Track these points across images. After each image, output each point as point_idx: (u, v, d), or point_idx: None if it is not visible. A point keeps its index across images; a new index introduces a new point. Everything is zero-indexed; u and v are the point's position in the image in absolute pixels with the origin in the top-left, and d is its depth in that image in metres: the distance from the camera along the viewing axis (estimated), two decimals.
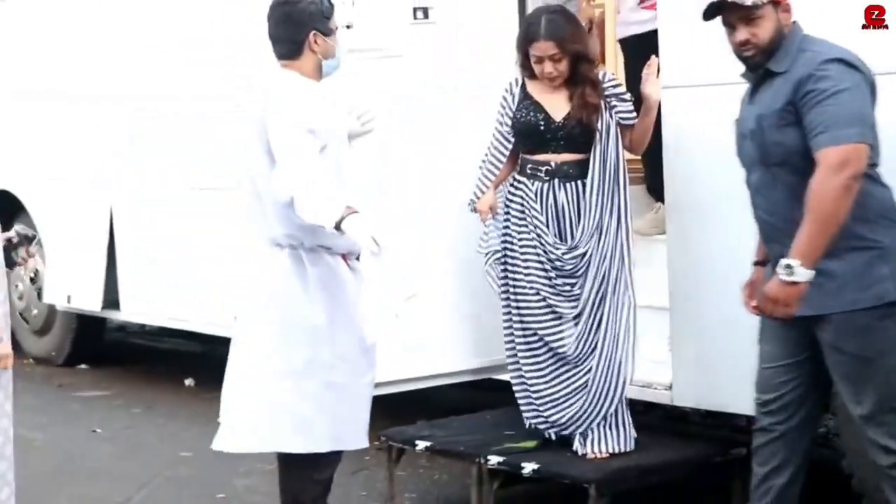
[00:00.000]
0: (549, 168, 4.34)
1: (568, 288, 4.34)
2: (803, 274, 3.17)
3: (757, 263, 3.58)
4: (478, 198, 4.42)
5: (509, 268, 4.41)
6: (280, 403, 3.71)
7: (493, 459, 4.36)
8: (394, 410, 5.27)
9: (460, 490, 4.65)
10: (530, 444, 4.46)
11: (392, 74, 4.71)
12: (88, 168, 6.97)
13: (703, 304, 4.26)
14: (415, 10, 4.76)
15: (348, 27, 4.53)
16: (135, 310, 6.82)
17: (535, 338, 4.39)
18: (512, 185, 4.42)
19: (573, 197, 4.33)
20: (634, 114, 4.33)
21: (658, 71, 4.22)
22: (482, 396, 5.25)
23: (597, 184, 4.30)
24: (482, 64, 4.88)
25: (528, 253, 4.36)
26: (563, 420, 4.36)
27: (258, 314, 3.78)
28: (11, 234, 4.11)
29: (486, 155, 4.44)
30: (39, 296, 7.58)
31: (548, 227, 4.33)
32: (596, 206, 4.31)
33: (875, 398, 3.30)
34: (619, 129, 4.33)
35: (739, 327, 3.96)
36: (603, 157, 4.30)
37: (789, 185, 3.29)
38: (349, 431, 3.80)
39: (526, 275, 4.36)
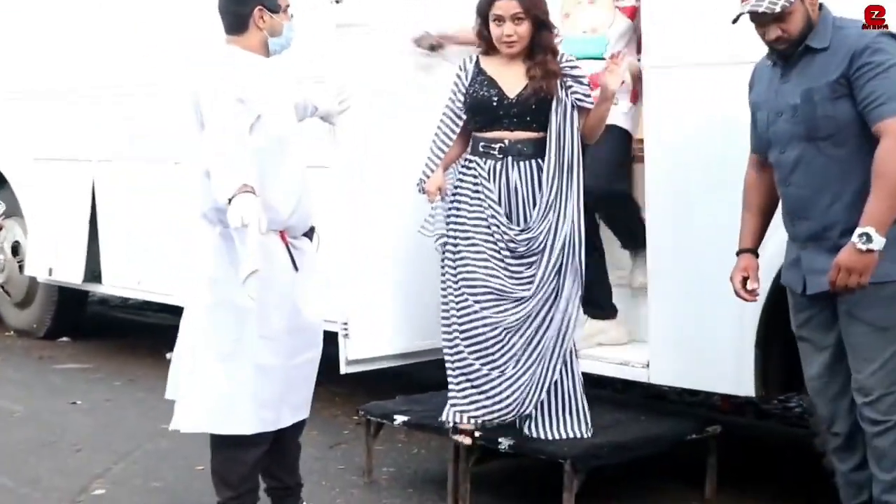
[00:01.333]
0: (502, 146, 4.12)
1: (521, 270, 4.13)
2: (879, 241, 3.17)
3: (743, 251, 3.57)
4: (427, 177, 4.17)
5: (456, 249, 4.17)
6: (208, 385, 3.69)
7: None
8: (372, 386, 5.28)
9: (438, 465, 4.63)
10: None
11: (379, 49, 4.70)
12: (71, 143, 6.91)
13: (681, 283, 4.24)
14: None
15: (337, 2, 4.48)
16: (117, 283, 6.77)
17: (481, 321, 4.13)
18: (463, 164, 4.19)
19: (527, 177, 4.12)
20: (591, 97, 4.12)
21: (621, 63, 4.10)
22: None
23: (553, 163, 4.08)
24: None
25: (481, 233, 4.13)
26: (508, 403, 4.16)
27: (193, 293, 3.77)
28: None
29: (436, 134, 4.21)
30: (21, 269, 7.52)
31: (500, 206, 4.11)
32: (552, 186, 4.09)
33: (880, 373, 3.30)
34: (575, 111, 4.11)
35: (717, 306, 4.00)
36: (560, 135, 4.09)
37: (835, 158, 3.30)
38: (274, 414, 3.76)
39: (475, 254, 4.13)
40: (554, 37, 4.15)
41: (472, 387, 4.16)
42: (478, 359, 4.14)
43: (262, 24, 3.73)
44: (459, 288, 4.14)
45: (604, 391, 4.67)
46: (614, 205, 4.67)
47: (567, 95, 4.09)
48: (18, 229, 7.52)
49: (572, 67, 4.14)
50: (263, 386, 3.72)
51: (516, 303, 4.12)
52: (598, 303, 4.69)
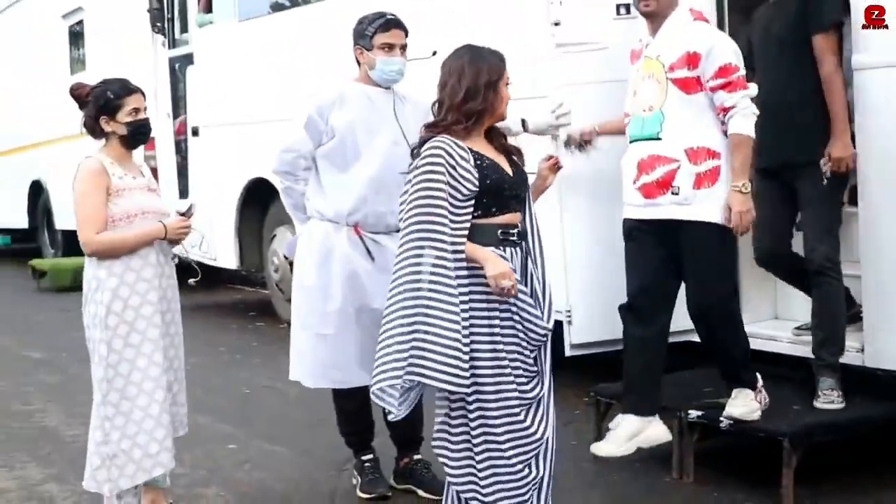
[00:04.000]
0: (519, 230, 3.61)
1: (534, 366, 3.62)
2: None
3: None
4: (443, 302, 3.40)
5: (482, 358, 3.50)
6: (293, 346, 4.63)
7: (693, 413, 4.58)
8: (601, 369, 5.53)
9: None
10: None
11: (597, 66, 4.97)
12: None
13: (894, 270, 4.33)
14: (618, 6, 5.00)
15: (556, 24, 4.81)
16: None
17: (520, 430, 3.57)
18: (472, 262, 3.50)
19: (535, 261, 3.65)
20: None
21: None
22: (679, 359, 5.40)
23: (537, 240, 3.68)
24: None
25: (512, 340, 3.54)
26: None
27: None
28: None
29: (439, 236, 3.43)
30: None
31: (529, 297, 3.57)
32: (543, 268, 3.68)
33: None
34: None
35: None
36: (532, 209, 3.70)
37: None
38: (340, 374, 4.49)
39: (511, 364, 3.53)
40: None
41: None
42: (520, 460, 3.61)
43: (362, 59, 4.45)
44: (493, 407, 3.54)
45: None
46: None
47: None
48: (289, 235, 8.17)
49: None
50: (323, 350, 4.48)
51: (530, 404, 3.62)
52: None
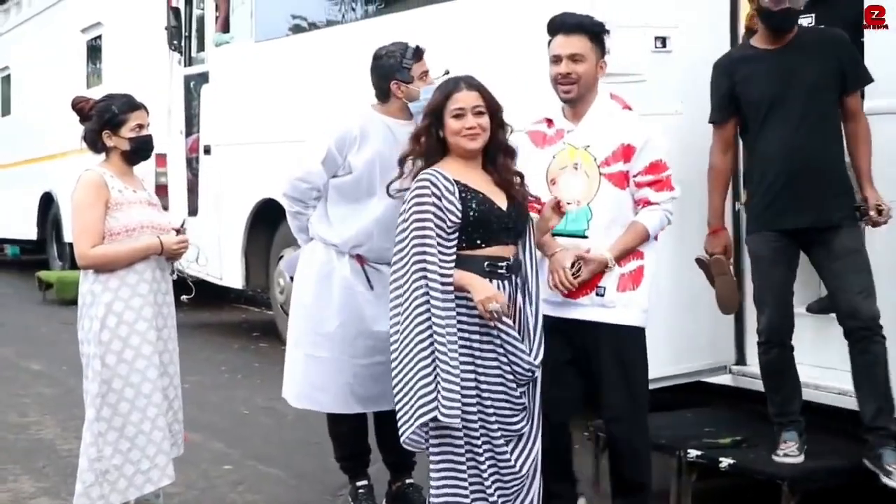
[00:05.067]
0: (509, 263, 3.65)
1: (521, 401, 3.66)
2: None
3: None
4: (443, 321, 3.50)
5: (468, 395, 3.58)
6: (286, 365, 4.61)
7: (693, 453, 4.53)
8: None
9: (661, 480, 4.73)
10: (728, 440, 4.59)
11: (638, 98, 4.76)
12: None
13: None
14: (655, 38, 4.94)
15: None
16: None
17: (503, 464, 3.65)
18: (460, 294, 3.56)
19: (522, 294, 3.70)
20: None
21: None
22: (681, 397, 5.37)
23: (534, 276, 3.72)
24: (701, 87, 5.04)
25: (495, 374, 3.59)
26: None
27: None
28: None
29: (430, 263, 3.51)
30: None
31: (516, 332, 3.62)
32: (539, 304, 3.73)
33: None
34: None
35: None
36: (532, 245, 3.76)
37: None
38: (328, 398, 4.47)
39: (493, 399, 3.60)
40: (508, 136, 3.80)
41: None
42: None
43: (400, 94, 4.35)
44: (481, 442, 3.61)
45: (820, 418, 4.72)
46: None
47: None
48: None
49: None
50: (314, 372, 4.45)
51: (520, 441, 3.69)
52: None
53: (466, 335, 3.57)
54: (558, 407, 3.99)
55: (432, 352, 3.49)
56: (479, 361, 3.57)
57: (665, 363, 4.92)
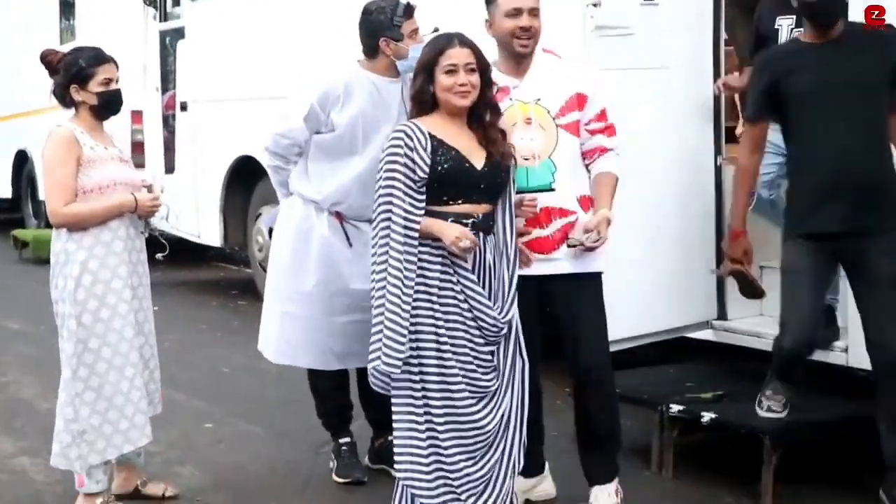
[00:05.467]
0: (475, 220, 3.65)
1: (489, 358, 3.68)
2: None
3: None
4: (405, 272, 3.54)
5: (426, 348, 3.61)
6: (263, 319, 4.62)
7: (675, 408, 4.54)
8: None
9: (642, 436, 4.80)
10: (709, 395, 4.61)
11: (630, 52, 4.81)
12: None
13: None
14: None
15: (595, 5, 4.67)
16: None
17: (464, 419, 3.64)
18: (425, 245, 3.60)
19: (494, 251, 3.72)
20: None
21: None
22: (662, 351, 5.38)
23: (509, 234, 3.73)
24: (697, 42, 5.07)
25: (456, 328, 3.62)
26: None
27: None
28: None
29: (395, 218, 3.56)
30: None
31: (480, 287, 3.65)
32: (516, 263, 3.74)
33: None
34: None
35: None
36: (510, 205, 3.76)
37: None
38: (301, 353, 4.48)
39: (455, 352, 3.61)
40: (494, 93, 3.80)
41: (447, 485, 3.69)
42: (464, 457, 3.68)
43: (388, 51, 4.28)
44: (439, 388, 3.63)
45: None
46: None
47: (512, 172, 3.79)
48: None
49: (510, 144, 3.80)
50: (290, 328, 4.45)
51: (486, 396, 3.68)
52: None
53: (425, 288, 3.60)
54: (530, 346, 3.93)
55: (383, 302, 3.57)
56: (439, 314, 3.61)
57: (646, 319, 4.93)
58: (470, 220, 3.64)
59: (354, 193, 4.33)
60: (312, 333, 4.43)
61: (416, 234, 3.57)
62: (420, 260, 3.58)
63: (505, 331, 3.69)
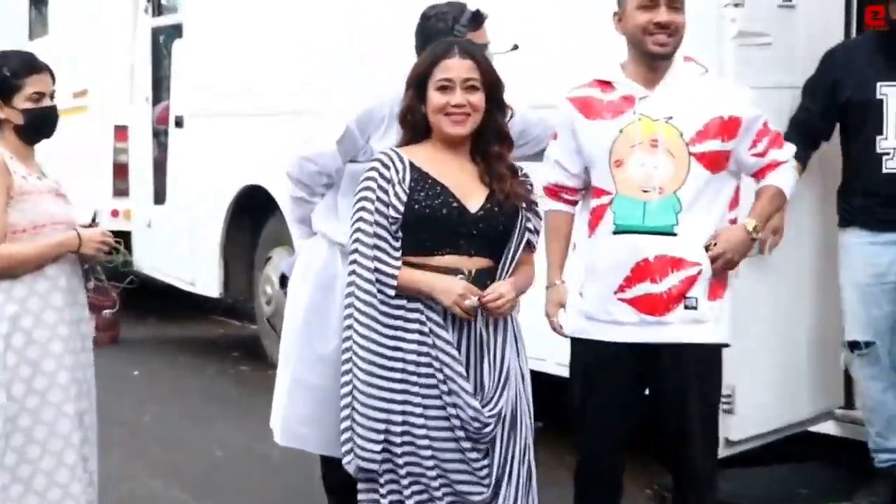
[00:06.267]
0: (462, 278, 3.57)
1: (478, 465, 3.58)
2: None
3: None
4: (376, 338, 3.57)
5: (401, 437, 3.58)
6: (277, 387, 4.60)
7: None
8: None
9: None
10: None
11: (774, 67, 4.86)
12: None
13: None
14: None
15: (737, 5, 4.69)
16: None
17: None
18: (400, 307, 3.56)
19: (489, 320, 3.61)
20: (537, 236, 3.78)
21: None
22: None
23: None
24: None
25: (438, 416, 3.55)
26: None
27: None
28: None
29: (361, 266, 3.59)
30: None
31: (461, 366, 3.55)
32: (511, 335, 3.68)
33: None
34: (522, 247, 3.68)
35: None
36: (515, 264, 3.66)
37: None
38: (313, 434, 4.40)
39: (435, 447, 3.56)
40: (509, 121, 3.74)
41: None
42: None
43: None
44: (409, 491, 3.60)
45: None
46: None
47: (523, 219, 3.68)
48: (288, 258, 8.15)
49: (530, 183, 3.76)
50: (302, 401, 4.42)
51: None
52: None
53: (402, 365, 3.55)
54: (616, 437, 4.00)
55: (351, 378, 3.60)
56: (416, 399, 3.55)
57: (766, 415, 4.92)
58: (458, 277, 3.57)
59: None
60: (328, 409, 4.43)
61: (391, 291, 3.54)
62: (397, 318, 3.55)
63: (491, 429, 3.56)
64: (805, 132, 4.78)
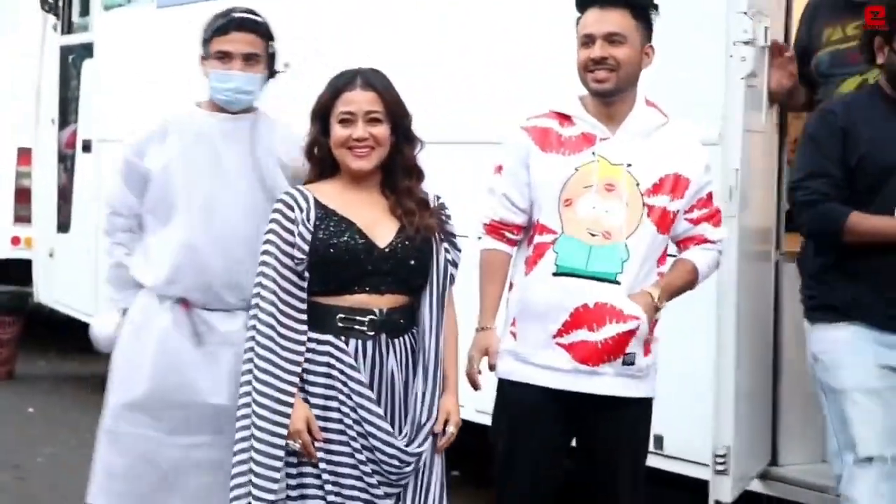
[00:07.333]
0: (373, 318, 3.54)
1: (386, 501, 3.55)
2: None
3: None
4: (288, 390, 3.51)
5: (302, 481, 3.54)
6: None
7: None
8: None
9: None
10: None
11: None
12: None
13: None
14: None
15: (747, 43, 4.53)
16: None
17: None
18: (309, 349, 3.54)
19: (404, 361, 3.59)
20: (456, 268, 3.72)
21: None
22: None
23: (435, 344, 3.61)
24: None
25: (342, 462, 3.52)
26: None
27: None
28: None
29: (262, 311, 3.54)
30: None
31: (376, 405, 3.52)
32: (434, 377, 3.61)
33: None
34: (447, 280, 3.65)
35: None
36: (440, 300, 3.63)
37: None
38: (124, 488, 4.05)
39: (342, 494, 3.52)
40: (417, 153, 3.68)
41: None
42: None
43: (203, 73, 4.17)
44: None
45: None
46: None
47: (440, 252, 3.65)
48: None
49: (446, 215, 3.71)
50: (108, 454, 4.07)
51: None
52: None
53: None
54: (541, 488, 3.88)
55: (249, 426, 3.52)
56: (318, 444, 3.51)
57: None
58: (368, 318, 3.52)
59: (189, 268, 4.04)
60: (138, 459, 4.06)
61: (300, 337, 3.51)
62: (307, 366, 3.52)
63: (411, 468, 3.54)
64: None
